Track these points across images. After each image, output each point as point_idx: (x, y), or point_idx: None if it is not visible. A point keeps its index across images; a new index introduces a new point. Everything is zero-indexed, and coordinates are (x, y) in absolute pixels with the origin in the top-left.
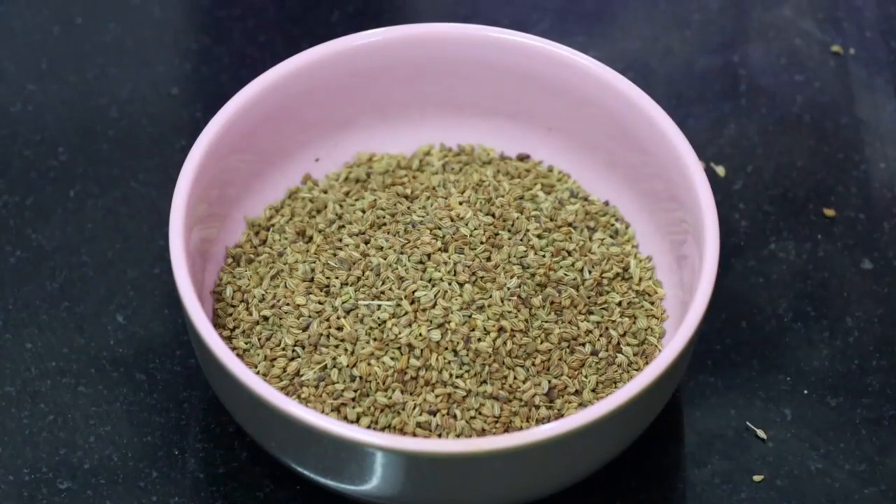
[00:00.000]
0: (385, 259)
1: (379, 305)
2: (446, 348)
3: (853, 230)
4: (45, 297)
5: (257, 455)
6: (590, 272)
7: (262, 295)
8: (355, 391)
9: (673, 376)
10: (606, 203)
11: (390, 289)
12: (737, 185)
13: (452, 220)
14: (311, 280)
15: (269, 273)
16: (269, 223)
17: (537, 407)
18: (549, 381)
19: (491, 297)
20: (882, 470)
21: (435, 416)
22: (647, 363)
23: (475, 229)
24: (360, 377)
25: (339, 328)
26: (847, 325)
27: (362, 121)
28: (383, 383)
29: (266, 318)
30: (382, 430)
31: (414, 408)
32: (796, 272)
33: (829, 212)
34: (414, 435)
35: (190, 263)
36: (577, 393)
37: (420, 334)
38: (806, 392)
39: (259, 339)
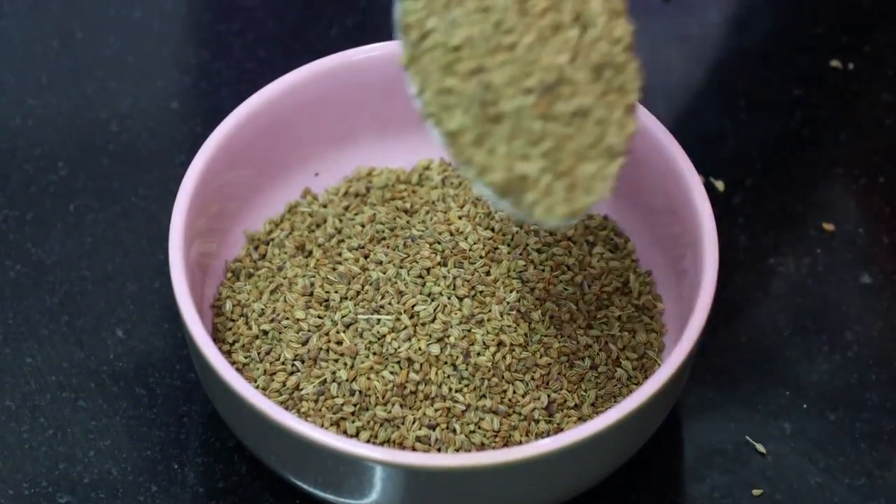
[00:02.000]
0: (384, 273)
1: (378, 320)
2: (445, 362)
3: (852, 244)
4: (44, 312)
5: (257, 469)
6: (589, 286)
7: (262, 309)
8: (355, 405)
9: (672, 391)
10: (606, 217)
11: (389, 303)
12: (736, 199)
13: (452, 234)
14: (311, 294)
15: (268, 287)
16: (269, 237)
17: (536, 421)
18: (549, 396)
19: (490, 311)
20: (881, 484)
21: (434, 430)
22: (646, 377)
23: (474, 244)
24: (360, 391)
25: (339, 342)
26: (846, 339)
27: (362, 135)
28: (382, 397)
29: (265, 333)
30: (382, 444)
31: (413, 422)
32: (795, 286)
33: (828, 226)
34: (413, 449)
35: (189, 278)
36: (576, 407)
37: (419, 348)
38: (805, 406)
39: (258, 354)
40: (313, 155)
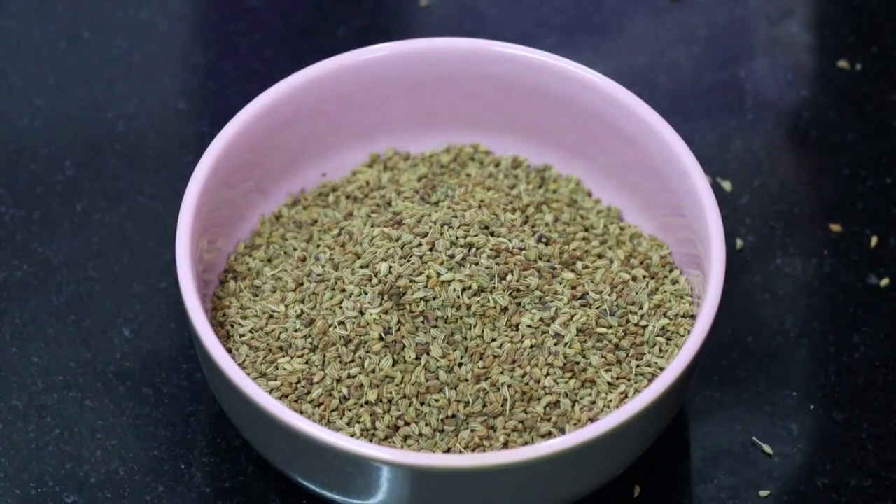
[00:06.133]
0: None
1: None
2: (454, 362)
3: (859, 246)
4: (51, 311)
5: (263, 469)
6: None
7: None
8: (362, 406)
9: (679, 392)
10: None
11: None
12: (743, 199)
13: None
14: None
15: (273, 287)
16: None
17: (546, 421)
18: (558, 396)
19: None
20: (888, 485)
21: (442, 430)
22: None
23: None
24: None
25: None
26: (853, 340)
27: (369, 135)
28: (391, 398)
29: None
30: (389, 444)
31: (422, 422)
32: (802, 287)
33: (836, 227)
34: (421, 449)
35: (196, 278)
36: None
37: None
38: (812, 407)
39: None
40: (320, 155)
